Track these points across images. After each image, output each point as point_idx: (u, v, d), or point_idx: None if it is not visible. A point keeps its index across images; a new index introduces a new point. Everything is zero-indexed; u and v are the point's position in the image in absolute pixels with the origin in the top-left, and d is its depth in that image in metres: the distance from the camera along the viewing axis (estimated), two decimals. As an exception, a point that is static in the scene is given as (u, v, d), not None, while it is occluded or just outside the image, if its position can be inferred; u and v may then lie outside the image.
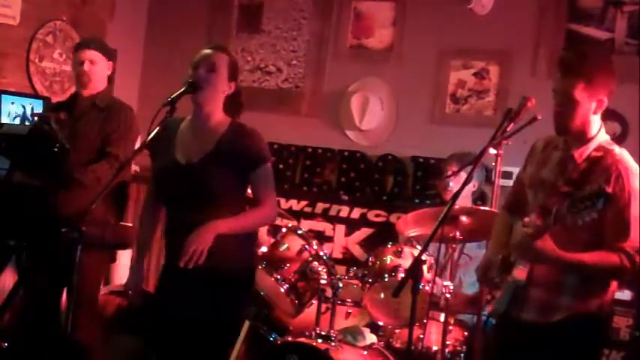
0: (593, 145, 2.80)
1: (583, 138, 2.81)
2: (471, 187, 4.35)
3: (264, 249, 4.09)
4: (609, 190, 2.63)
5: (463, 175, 3.79)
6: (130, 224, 3.97)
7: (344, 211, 5.30)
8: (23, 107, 4.51)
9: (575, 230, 2.66)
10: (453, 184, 4.21)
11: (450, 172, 4.20)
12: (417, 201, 5.07)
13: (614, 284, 2.87)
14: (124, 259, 4.68)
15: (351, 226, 5.28)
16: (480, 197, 4.49)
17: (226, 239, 3.00)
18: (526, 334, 2.84)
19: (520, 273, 2.78)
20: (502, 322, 2.97)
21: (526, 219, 2.82)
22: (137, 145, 3.86)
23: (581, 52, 2.84)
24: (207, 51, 3.09)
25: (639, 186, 2.72)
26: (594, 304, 2.80)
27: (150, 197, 3.28)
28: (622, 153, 2.79)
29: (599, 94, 2.76)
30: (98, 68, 3.89)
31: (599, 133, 2.83)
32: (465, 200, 4.25)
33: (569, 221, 2.57)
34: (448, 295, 3.80)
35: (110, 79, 4.03)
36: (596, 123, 2.82)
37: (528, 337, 2.83)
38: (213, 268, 3.01)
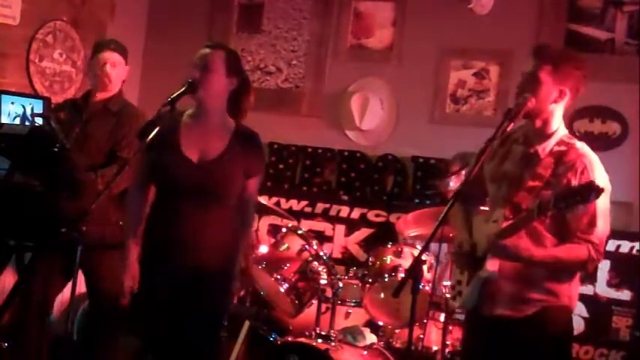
0: (554, 139, 2.87)
1: (544, 133, 2.88)
2: None
3: (264, 249, 4.10)
4: (574, 182, 2.73)
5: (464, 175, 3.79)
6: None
7: (344, 211, 5.30)
8: (23, 107, 4.49)
9: (544, 223, 2.75)
10: (454, 184, 4.21)
11: (452, 171, 4.20)
12: (417, 201, 5.07)
13: (578, 275, 2.94)
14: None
15: (351, 226, 5.28)
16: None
17: (220, 239, 3.04)
18: (500, 328, 2.87)
19: (492, 265, 2.81)
20: (472, 317, 2.99)
21: (483, 210, 2.86)
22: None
23: (558, 46, 2.94)
24: (204, 51, 3.11)
25: (603, 179, 2.78)
26: (564, 295, 2.86)
27: (139, 181, 3.26)
28: (583, 147, 2.86)
29: (563, 84, 2.82)
30: (118, 71, 3.85)
31: (559, 128, 2.89)
32: None
33: (554, 213, 2.64)
34: (448, 295, 3.80)
35: (123, 82, 3.98)
36: (557, 117, 2.89)
37: (502, 331, 2.86)
38: (197, 263, 3.03)
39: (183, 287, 3.07)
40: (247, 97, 3.22)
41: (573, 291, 2.91)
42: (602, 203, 2.75)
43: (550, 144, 2.86)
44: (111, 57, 3.84)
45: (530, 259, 2.77)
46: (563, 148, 2.84)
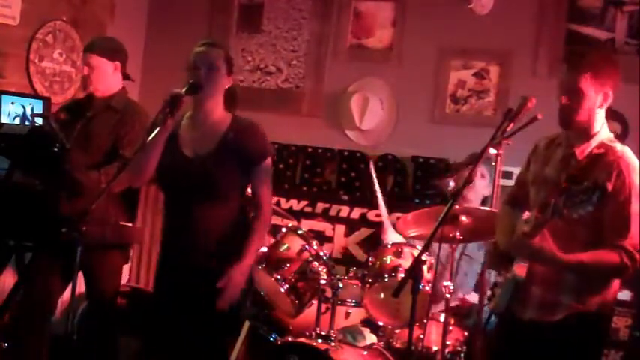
0: (595, 142, 2.81)
1: (586, 134, 2.82)
2: (485, 186, 4.31)
3: (264, 249, 4.09)
4: (609, 186, 2.65)
5: (482, 176, 3.83)
6: (130, 224, 3.96)
7: (344, 211, 5.30)
8: (23, 107, 4.50)
9: (574, 226, 2.67)
10: (454, 184, 4.21)
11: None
12: (417, 201, 5.07)
13: (615, 283, 2.87)
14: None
15: (351, 226, 5.28)
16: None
17: (222, 237, 3.04)
18: (528, 332, 2.84)
19: (520, 269, 2.78)
20: (503, 319, 2.97)
21: (525, 215, 2.82)
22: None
23: (588, 48, 2.85)
24: (203, 49, 3.10)
25: None
26: (594, 302, 2.80)
27: None
28: (624, 150, 2.79)
29: (605, 86, 2.78)
30: (100, 72, 3.83)
31: (601, 130, 2.83)
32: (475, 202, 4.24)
33: (565, 215, 2.56)
34: (448, 295, 3.80)
35: (127, 76, 3.96)
36: (599, 119, 2.83)
37: (530, 335, 2.83)
38: (209, 265, 3.03)
39: (185, 288, 3.07)
40: (236, 94, 3.22)
41: (608, 299, 2.83)
42: (638, 207, 2.69)
43: (590, 146, 2.80)
44: (88, 60, 3.84)
45: (553, 260, 2.71)
46: (602, 151, 2.78)
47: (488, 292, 3.05)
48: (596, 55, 2.82)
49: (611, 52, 2.88)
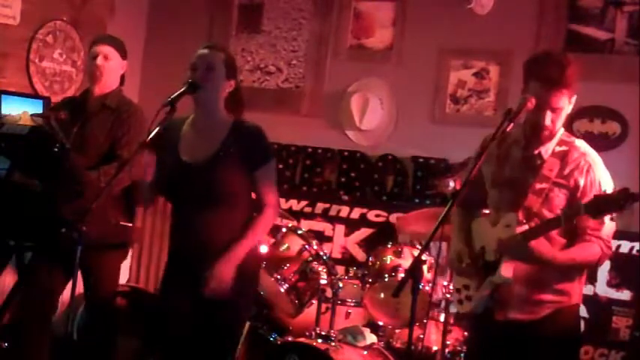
0: (555, 139, 2.89)
1: (549, 135, 2.88)
2: None
3: (264, 249, 4.10)
4: (581, 182, 2.79)
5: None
6: (130, 224, 3.96)
7: (344, 211, 5.30)
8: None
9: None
10: (454, 184, 4.21)
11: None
12: (417, 201, 5.08)
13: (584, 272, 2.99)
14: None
15: (351, 226, 5.28)
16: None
17: (220, 240, 3.03)
18: (513, 332, 2.87)
19: (507, 271, 2.80)
20: (482, 322, 2.97)
21: (486, 214, 2.86)
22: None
23: (559, 63, 2.82)
24: (203, 51, 3.10)
25: (607, 176, 2.85)
26: (576, 294, 2.91)
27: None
28: (583, 144, 2.90)
29: (575, 93, 2.85)
30: (112, 65, 3.82)
31: (560, 127, 2.91)
32: None
33: (582, 219, 2.69)
34: (448, 296, 3.81)
35: (122, 80, 3.97)
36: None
37: (516, 335, 2.86)
38: (205, 269, 3.02)
39: (191, 293, 3.06)
40: (242, 99, 3.21)
41: (581, 288, 2.96)
42: None
43: (552, 144, 2.88)
44: (103, 50, 3.82)
45: (550, 260, 2.79)
46: (564, 147, 2.87)
47: (457, 296, 3.05)
48: (569, 69, 2.79)
49: (571, 57, 2.89)
